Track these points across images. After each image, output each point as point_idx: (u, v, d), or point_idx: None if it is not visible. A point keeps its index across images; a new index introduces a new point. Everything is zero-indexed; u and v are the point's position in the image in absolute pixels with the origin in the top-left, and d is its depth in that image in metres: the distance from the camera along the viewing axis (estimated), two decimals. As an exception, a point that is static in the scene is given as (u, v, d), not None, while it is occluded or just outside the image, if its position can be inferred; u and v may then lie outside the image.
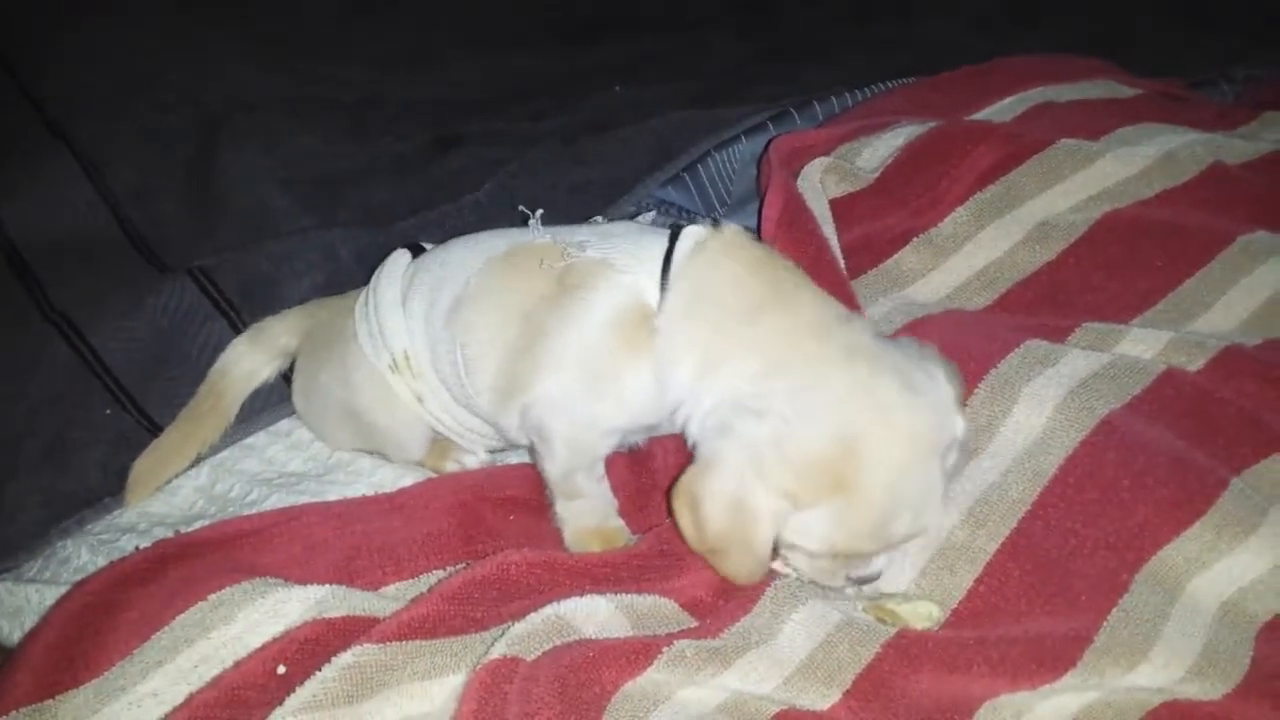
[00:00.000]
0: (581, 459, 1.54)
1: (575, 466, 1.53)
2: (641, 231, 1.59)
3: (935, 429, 1.37)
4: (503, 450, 1.80)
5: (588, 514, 1.56)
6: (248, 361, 1.80)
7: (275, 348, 1.81)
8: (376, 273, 1.70)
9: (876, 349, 1.40)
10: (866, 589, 1.43)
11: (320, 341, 1.76)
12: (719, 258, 1.46)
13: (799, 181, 1.90)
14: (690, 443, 1.45)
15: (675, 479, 1.40)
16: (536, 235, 1.59)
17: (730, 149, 2.22)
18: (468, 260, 1.61)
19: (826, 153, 1.98)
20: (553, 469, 1.54)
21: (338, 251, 2.04)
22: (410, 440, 1.72)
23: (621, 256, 1.49)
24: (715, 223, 1.51)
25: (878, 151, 1.99)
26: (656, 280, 1.45)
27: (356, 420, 1.71)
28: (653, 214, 2.18)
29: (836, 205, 1.91)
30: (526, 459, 1.74)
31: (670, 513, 1.40)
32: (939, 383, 1.41)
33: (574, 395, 1.49)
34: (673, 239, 1.49)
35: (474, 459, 1.77)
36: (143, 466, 1.74)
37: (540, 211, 1.64)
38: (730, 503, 1.34)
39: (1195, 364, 1.59)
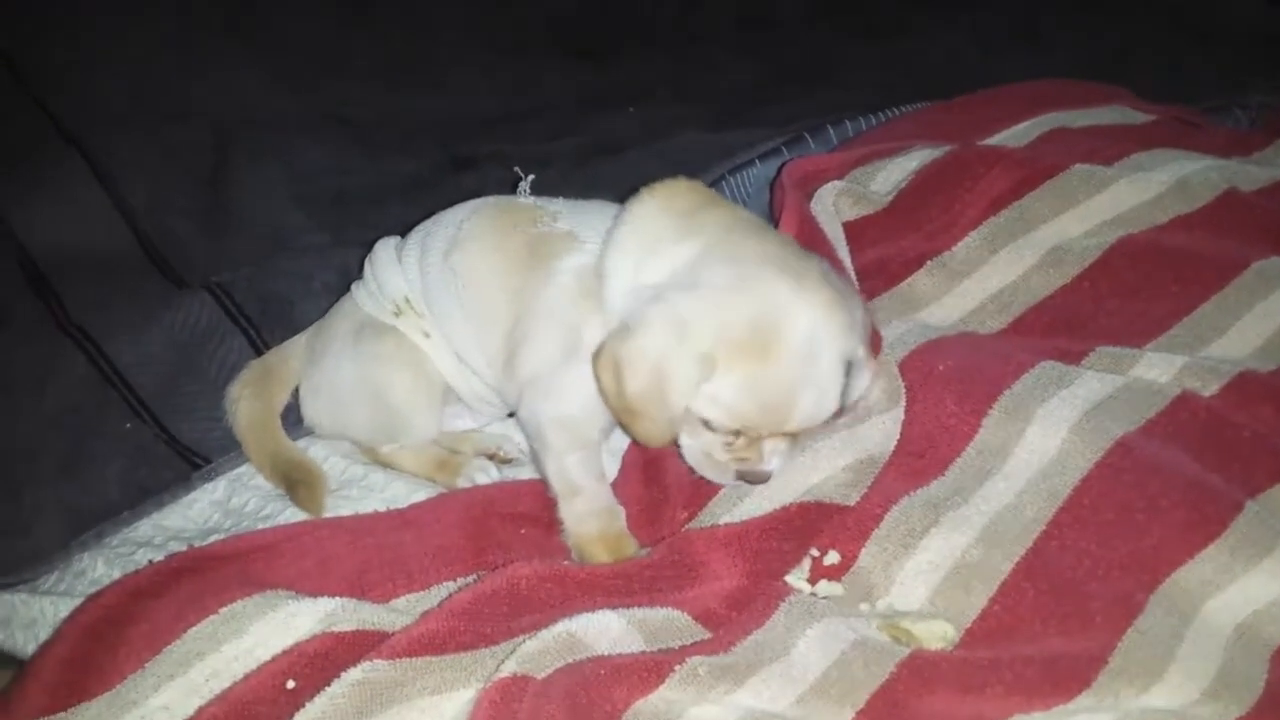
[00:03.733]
0: (573, 443, 1.57)
1: (567, 451, 1.57)
2: (609, 207, 1.66)
3: (848, 328, 1.44)
4: (510, 461, 1.82)
5: (589, 518, 1.57)
6: (257, 404, 1.80)
7: (279, 386, 1.83)
8: (368, 256, 1.80)
9: (809, 253, 1.53)
10: (880, 606, 1.43)
11: (319, 340, 1.81)
12: (646, 195, 1.56)
13: (813, 204, 1.90)
14: (617, 314, 1.49)
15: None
16: (523, 198, 1.73)
17: (744, 172, 2.22)
18: (458, 214, 1.74)
19: (840, 176, 1.98)
20: (549, 461, 1.58)
21: (354, 273, 2.04)
22: (421, 400, 1.75)
23: (585, 229, 1.61)
24: None
25: (891, 175, 2.00)
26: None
27: (367, 390, 1.73)
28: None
29: (850, 228, 1.92)
30: (535, 474, 1.75)
31: (595, 376, 1.45)
32: (857, 304, 1.52)
33: (551, 367, 1.57)
34: None
35: (485, 476, 1.77)
36: (309, 506, 1.72)
37: (532, 176, 1.79)
38: (651, 365, 1.40)
39: (1210, 389, 1.59)
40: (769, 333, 1.39)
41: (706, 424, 1.45)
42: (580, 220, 1.63)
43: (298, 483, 1.73)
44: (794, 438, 1.49)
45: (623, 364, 1.41)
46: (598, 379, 1.45)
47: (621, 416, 1.46)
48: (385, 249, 1.78)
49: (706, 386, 1.41)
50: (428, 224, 1.77)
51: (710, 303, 1.41)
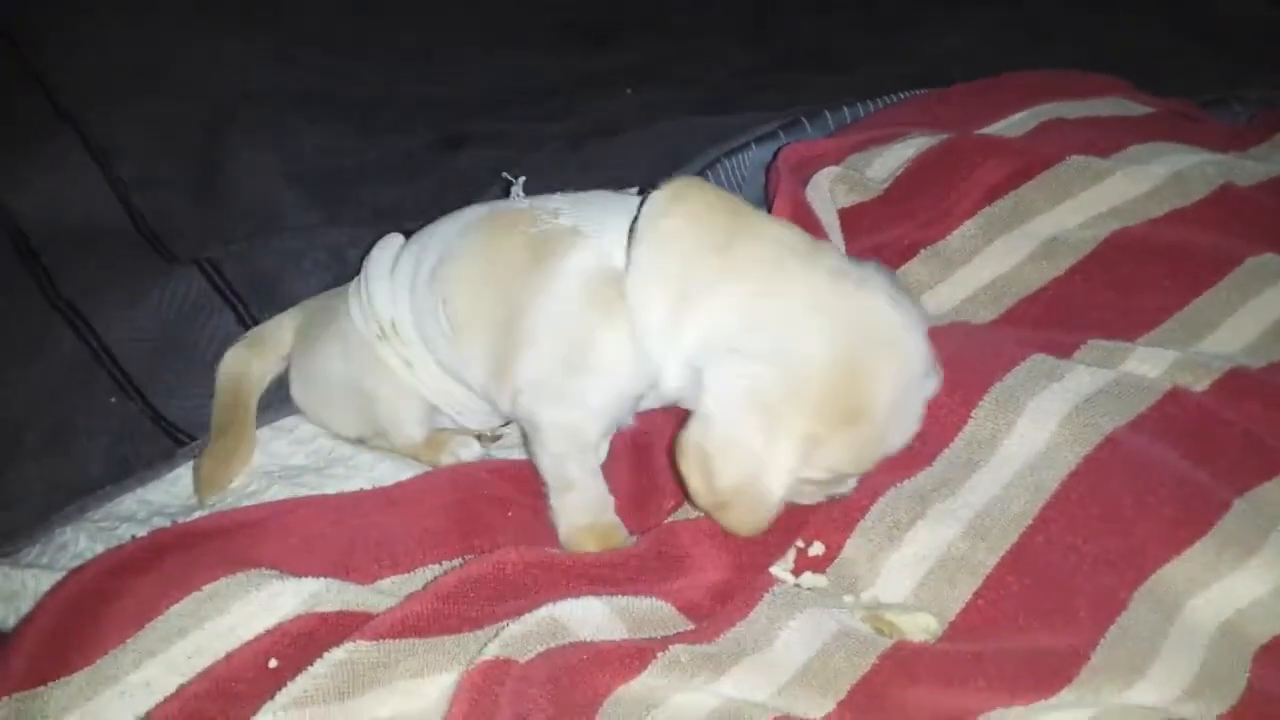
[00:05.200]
0: (572, 445, 1.52)
1: (566, 453, 1.52)
2: (613, 198, 1.58)
3: (922, 347, 1.37)
4: (498, 439, 1.81)
5: (581, 509, 1.54)
6: (256, 366, 1.80)
7: (272, 352, 1.82)
8: (368, 255, 1.72)
9: (857, 269, 1.39)
10: (864, 597, 1.43)
11: (316, 325, 1.77)
12: (673, 205, 1.44)
13: (808, 190, 1.90)
14: (675, 392, 1.43)
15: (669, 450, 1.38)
16: (517, 202, 1.61)
17: (740, 156, 2.20)
18: (451, 228, 1.62)
19: (837, 162, 1.98)
20: (545, 459, 1.53)
21: (346, 253, 2.04)
22: (409, 413, 1.71)
23: (590, 223, 1.49)
24: None
25: (888, 162, 1.99)
26: (623, 242, 1.43)
27: (356, 395, 1.71)
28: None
29: (845, 215, 1.92)
30: (523, 454, 1.74)
31: (674, 472, 1.38)
32: (915, 304, 1.41)
33: (556, 375, 1.48)
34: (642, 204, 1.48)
35: (469, 451, 1.76)
36: (208, 470, 1.72)
37: (523, 179, 1.66)
38: (743, 456, 1.31)
39: (1200, 384, 1.59)
40: (859, 395, 1.31)
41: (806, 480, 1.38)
42: (583, 214, 1.51)
43: (221, 449, 1.73)
44: None
45: (712, 459, 1.32)
46: (684, 478, 1.35)
47: (712, 511, 1.37)
48: (382, 257, 1.69)
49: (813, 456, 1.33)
50: (423, 235, 1.67)
51: (789, 377, 1.31)
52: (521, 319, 1.49)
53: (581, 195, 1.61)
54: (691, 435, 1.34)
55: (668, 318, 1.39)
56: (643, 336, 1.41)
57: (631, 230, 1.44)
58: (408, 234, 1.72)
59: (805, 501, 1.43)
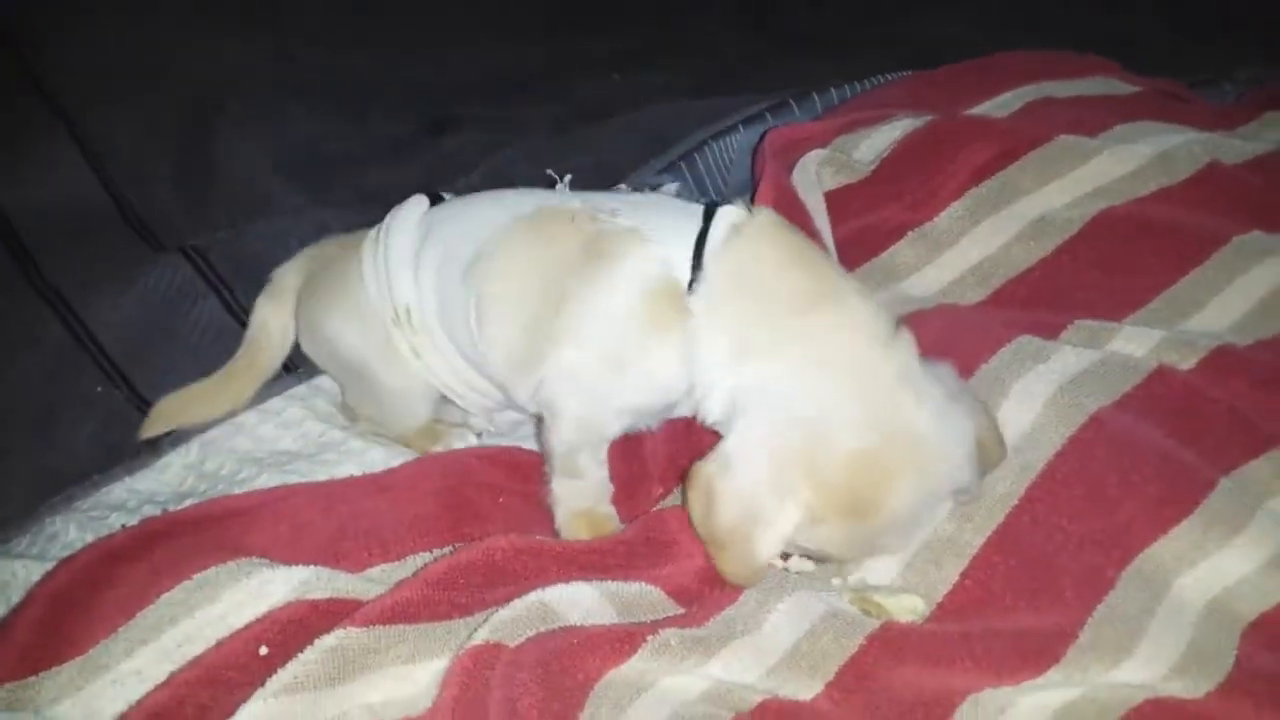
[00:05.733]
0: (589, 438, 1.52)
1: (581, 445, 1.52)
2: (674, 205, 1.56)
3: (955, 472, 1.35)
4: (490, 431, 1.80)
5: (582, 496, 1.55)
6: (278, 319, 1.78)
7: (294, 297, 1.79)
8: (389, 216, 1.67)
9: (922, 373, 1.36)
10: (851, 580, 1.44)
11: (328, 283, 1.72)
12: (759, 244, 1.41)
13: (795, 173, 1.90)
14: (707, 420, 1.42)
15: (684, 472, 1.39)
16: (566, 198, 1.57)
17: (727, 138, 2.20)
18: (492, 217, 1.57)
19: (823, 144, 1.98)
20: (558, 445, 1.52)
21: (331, 231, 2.03)
22: (414, 398, 1.70)
23: (653, 228, 1.45)
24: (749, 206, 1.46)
25: (875, 144, 1.99)
26: (689, 257, 1.41)
27: (364, 372, 1.69)
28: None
29: (832, 197, 1.92)
30: (517, 441, 1.74)
31: (683, 492, 1.39)
32: (968, 427, 1.38)
33: (593, 371, 1.46)
34: (707, 217, 1.44)
35: (462, 443, 1.76)
36: (166, 406, 1.74)
37: (569, 177, 1.61)
38: (746, 506, 1.32)
39: (1187, 363, 1.59)
40: (870, 490, 1.31)
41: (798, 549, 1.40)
42: (644, 217, 1.47)
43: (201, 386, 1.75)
44: None
45: (717, 499, 1.33)
46: (689, 502, 1.37)
47: (707, 545, 1.38)
48: (406, 227, 1.63)
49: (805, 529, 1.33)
50: (455, 218, 1.62)
51: (813, 448, 1.31)
52: (566, 310, 1.45)
53: (638, 197, 1.60)
54: (706, 467, 1.35)
55: (728, 358, 1.38)
56: (697, 362, 1.40)
57: (698, 246, 1.42)
58: (432, 200, 1.68)
59: (790, 563, 1.46)
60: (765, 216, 1.45)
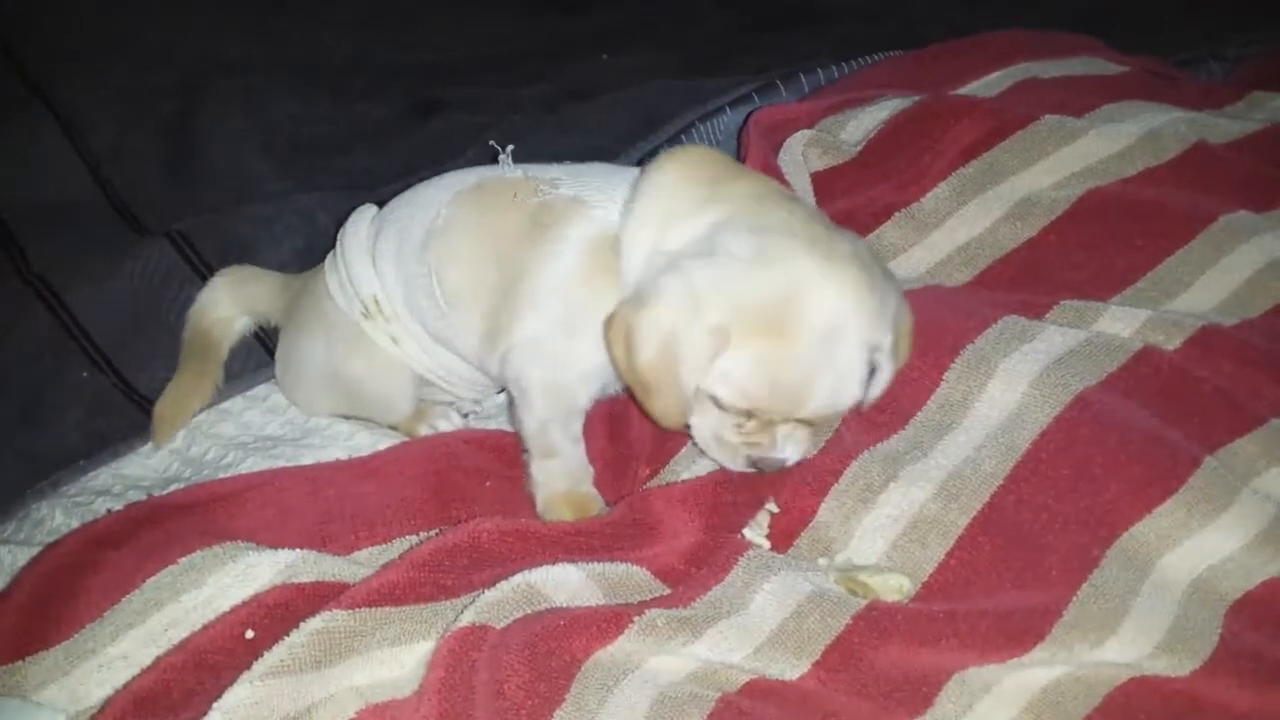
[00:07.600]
0: (558, 409, 1.53)
1: (552, 417, 1.53)
2: (614, 170, 1.60)
3: (876, 314, 1.36)
4: (476, 412, 1.80)
5: (560, 477, 1.56)
6: (224, 307, 1.81)
7: (248, 301, 1.82)
8: (343, 228, 1.70)
9: (842, 230, 1.42)
10: (838, 559, 1.43)
11: (299, 310, 1.75)
12: (668, 162, 1.48)
13: (781, 154, 1.89)
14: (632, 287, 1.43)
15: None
16: (508, 170, 1.60)
17: (715, 120, 2.20)
18: (436, 196, 1.62)
19: (810, 125, 1.97)
20: (530, 422, 1.54)
21: (317, 217, 2.03)
22: (396, 391, 1.71)
23: (593, 193, 1.51)
24: None
25: (861, 124, 1.98)
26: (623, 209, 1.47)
27: (339, 381, 1.70)
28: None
29: (819, 179, 1.91)
30: (503, 425, 1.74)
31: (607, 343, 1.40)
32: (893, 297, 1.40)
33: (552, 335, 1.49)
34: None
35: (447, 423, 1.77)
36: (163, 409, 1.75)
37: (511, 147, 1.63)
38: (663, 336, 1.34)
39: (1173, 343, 1.59)
40: (788, 309, 1.31)
41: (716, 402, 1.38)
42: (584, 184, 1.52)
43: (179, 386, 1.76)
44: (811, 426, 1.42)
45: (635, 334, 1.34)
46: (609, 347, 1.38)
47: (635, 390, 1.39)
48: (358, 230, 1.67)
49: (719, 362, 1.33)
50: (402, 205, 1.66)
51: (727, 272, 1.33)
52: (522, 284, 1.50)
53: (579, 166, 1.61)
54: (622, 310, 1.38)
55: (652, 245, 1.41)
56: (628, 272, 1.43)
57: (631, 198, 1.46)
58: (380, 204, 1.71)
59: (731, 444, 1.42)
60: (679, 147, 1.51)
